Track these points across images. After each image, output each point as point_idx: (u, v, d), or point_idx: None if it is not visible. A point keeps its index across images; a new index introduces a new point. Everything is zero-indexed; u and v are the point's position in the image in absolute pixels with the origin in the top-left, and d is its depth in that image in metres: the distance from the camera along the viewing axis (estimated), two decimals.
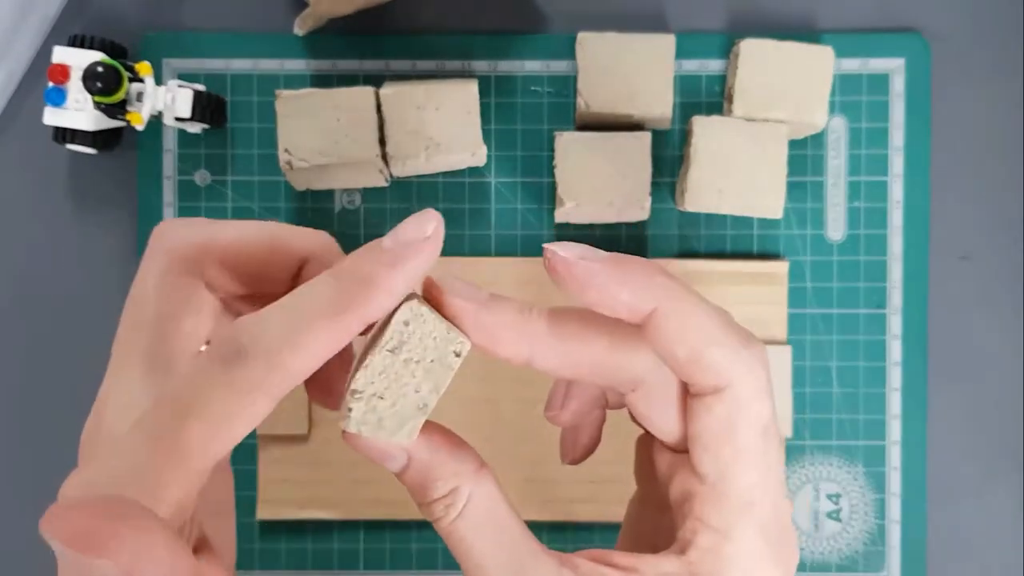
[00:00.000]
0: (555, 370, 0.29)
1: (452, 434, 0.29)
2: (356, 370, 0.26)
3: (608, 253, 0.27)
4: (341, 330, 0.25)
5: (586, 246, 0.27)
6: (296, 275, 0.30)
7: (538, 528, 0.47)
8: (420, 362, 0.26)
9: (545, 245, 0.27)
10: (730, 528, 0.27)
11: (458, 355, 0.27)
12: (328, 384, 0.31)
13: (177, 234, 0.30)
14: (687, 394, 0.28)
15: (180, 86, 0.44)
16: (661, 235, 0.47)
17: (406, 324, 0.26)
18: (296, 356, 0.25)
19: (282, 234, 0.30)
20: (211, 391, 0.25)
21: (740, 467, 0.27)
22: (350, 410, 0.26)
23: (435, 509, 0.28)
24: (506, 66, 0.47)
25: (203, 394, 0.25)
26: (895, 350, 0.47)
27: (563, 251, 0.27)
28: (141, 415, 0.25)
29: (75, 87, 0.43)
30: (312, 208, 0.47)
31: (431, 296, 0.28)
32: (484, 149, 0.44)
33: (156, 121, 0.45)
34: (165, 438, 0.24)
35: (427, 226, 0.27)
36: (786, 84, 0.44)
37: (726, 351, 0.27)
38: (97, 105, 0.43)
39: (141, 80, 0.43)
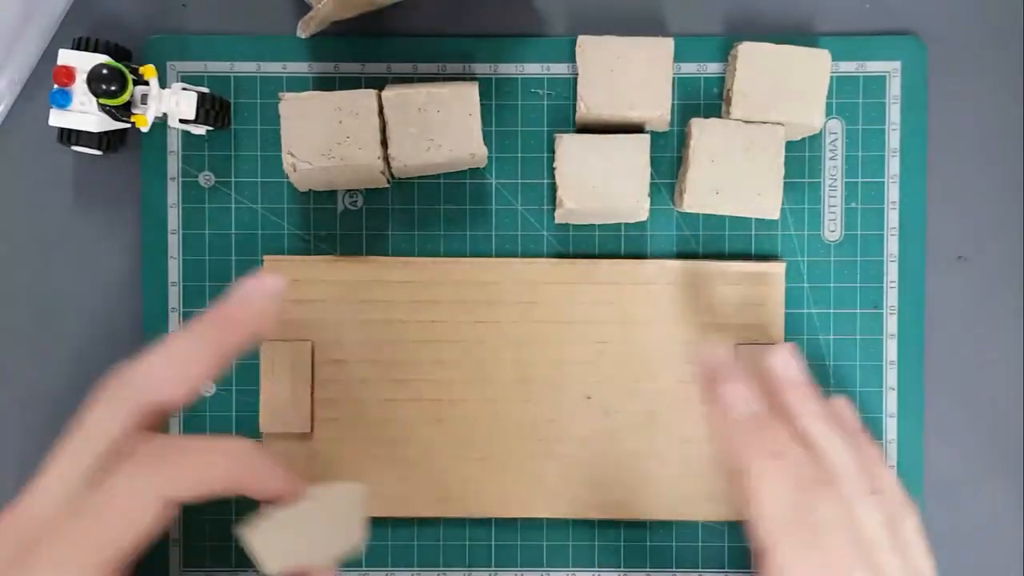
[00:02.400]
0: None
1: None
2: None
3: (755, 401, 0.37)
4: None
5: (742, 382, 0.37)
6: None
7: (538, 525, 0.47)
8: (321, 530, 0.34)
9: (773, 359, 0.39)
10: None
11: (341, 548, 0.35)
12: None
13: (136, 390, 0.33)
14: None
15: (184, 88, 0.44)
16: (660, 236, 0.48)
17: (329, 499, 0.34)
18: None
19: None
20: None
21: None
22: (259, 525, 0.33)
23: None
24: (506, 69, 0.47)
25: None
26: (891, 349, 0.47)
27: (729, 391, 0.37)
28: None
29: (80, 89, 0.43)
30: (314, 209, 0.47)
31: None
32: (485, 151, 0.44)
33: (160, 123, 0.46)
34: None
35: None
36: (784, 86, 0.45)
37: (775, 526, 0.33)
38: (102, 107, 0.43)
39: (146, 83, 0.44)
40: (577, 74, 0.45)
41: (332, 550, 0.35)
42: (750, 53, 0.45)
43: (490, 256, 0.47)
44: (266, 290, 0.35)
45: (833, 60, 0.46)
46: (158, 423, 0.33)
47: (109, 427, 0.32)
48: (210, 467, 0.32)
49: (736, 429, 0.36)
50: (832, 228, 0.48)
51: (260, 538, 0.33)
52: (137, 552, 0.32)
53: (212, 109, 0.45)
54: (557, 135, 0.46)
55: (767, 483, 0.34)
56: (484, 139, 0.44)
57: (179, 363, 0.33)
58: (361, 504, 0.36)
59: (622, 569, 0.47)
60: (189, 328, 0.34)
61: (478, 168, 0.47)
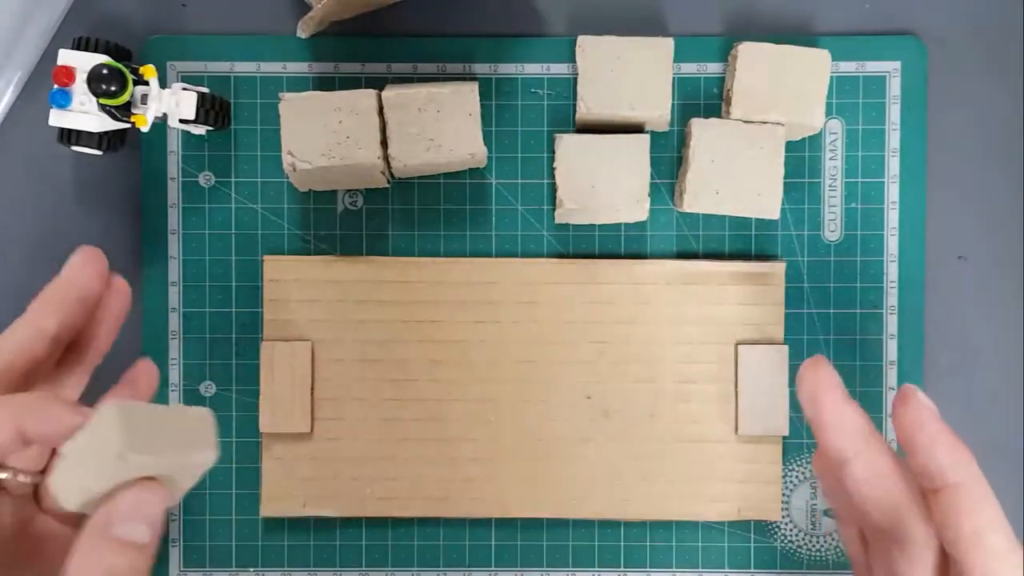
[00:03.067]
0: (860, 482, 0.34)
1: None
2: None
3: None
4: None
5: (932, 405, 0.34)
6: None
7: (539, 525, 0.47)
8: (102, 453, 0.30)
9: (908, 385, 0.34)
10: None
11: (121, 458, 0.30)
12: None
13: None
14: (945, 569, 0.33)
15: (184, 88, 0.44)
16: (660, 236, 0.48)
17: (100, 419, 0.30)
18: None
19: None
20: None
21: None
22: (56, 466, 0.31)
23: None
24: (507, 69, 0.47)
25: None
26: (891, 349, 0.47)
27: (924, 398, 0.33)
28: None
29: (80, 89, 0.43)
30: (315, 209, 0.47)
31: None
32: (485, 151, 0.44)
33: (160, 123, 0.46)
34: None
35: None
36: (784, 86, 0.45)
37: (1004, 542, 0.32)
38: (102, 107, 0.43)
39: (146, 83, 0.43)
40: (577, 74, 0.45)
41: (148, 470, 0.31)
42: (750, 53, 0.45)
43: (490, 256, 0.47)
44: (73, 265, 0.38)
45: (833, 60, 0.46)
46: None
47: None
48: None
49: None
50: (832, 228, 0.48)
51: (56, 477, 0.31)
52: None
53: (212, 109, 0.45)
54: (557, 135, 0.46)
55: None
56: (484, 139, 0.44)
57: (15, 340, 0.37)
58: (198, 424, 0.33)
59: (622, 569, 0.47)
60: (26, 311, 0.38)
61: (478, 168, 0.47)
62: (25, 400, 0.33)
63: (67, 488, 0.31)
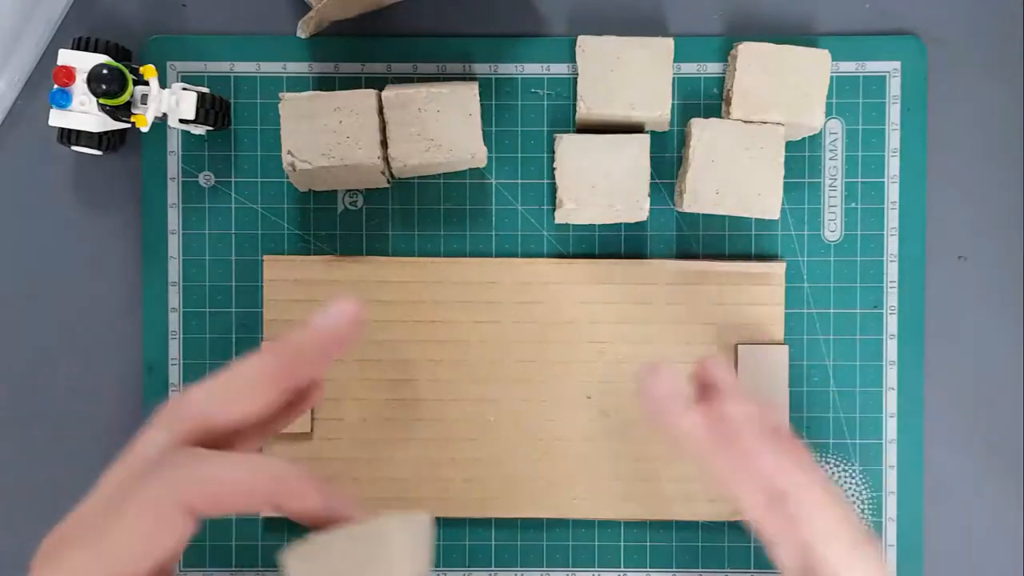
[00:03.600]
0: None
1: None
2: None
3: (779, 422, 0.34)
4: None
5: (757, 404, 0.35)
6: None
7: (539, 524, 0.47)
8: (366, 565, 0.29)
9: (709, 361, 0.37)
10: None
11: None
12: None
13: (190, 411, 0.32)
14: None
15: (184, 88, 0.44)
16: (660, 236, 0.47)
17: (376, 531, 0.30)
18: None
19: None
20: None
21: None
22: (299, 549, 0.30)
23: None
24: (506, 69, 0.47)
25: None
26: (891, 349, 0.47)
27: (736, 405, 0.36)
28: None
29: (80, 89, 0.43)
30: (315, 209, 0.47)
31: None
32: (485, 150, 0.44)
33: (160, 123, 0.46)
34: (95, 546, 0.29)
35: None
36: (784, 86, 0.45)
37: (843, 547, 0.32)
38: (102, 107, 0.43)
39: (146, 83, 0.43)
40: (577, 74, 0.45)
41: None
42: (750, 53, 0.45)
43: (490, 256, 0.47)
44: (346, 318, 0.33)
45: (833, 60, 0.46)
46: (216, 444, 0.33)
47: (151, 445, 0.32)
48: (232, 477, 0.31)
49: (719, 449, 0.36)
50: (832, 228, 0.48)
51: (295, 562, 0.30)
52: (162, 570, 0.30)
53: (212, 109, 0.45)
54: (557, 135, 0.46)
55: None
56: (484, 139, 0.44)
57: (235, 389, 0.33)
58: (423, 535, 0.32)
59: (622, 569, 0.47)
60: (259, 353, 0.33)
61: (478, 168, 0.47)
62: (286, 472, 0.31)
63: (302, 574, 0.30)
